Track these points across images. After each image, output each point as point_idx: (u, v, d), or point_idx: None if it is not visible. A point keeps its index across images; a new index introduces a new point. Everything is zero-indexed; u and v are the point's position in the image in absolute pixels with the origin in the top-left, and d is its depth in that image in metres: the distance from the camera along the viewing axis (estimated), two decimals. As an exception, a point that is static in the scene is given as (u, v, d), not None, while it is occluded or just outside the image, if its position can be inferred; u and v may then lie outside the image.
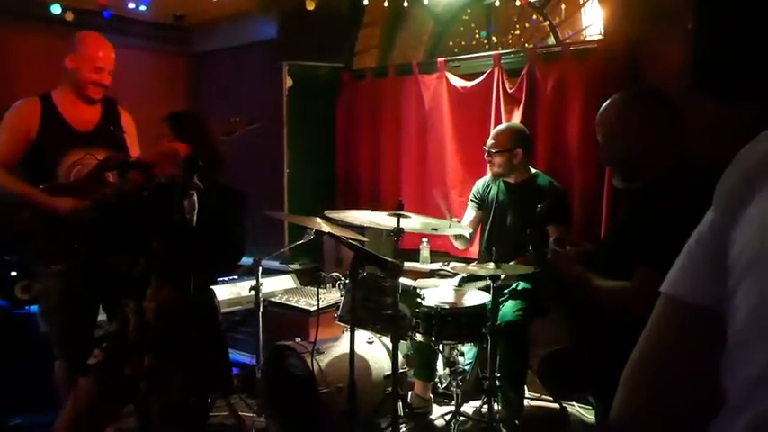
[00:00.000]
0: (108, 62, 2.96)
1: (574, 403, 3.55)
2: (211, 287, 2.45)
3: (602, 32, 3.84)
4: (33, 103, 2.89)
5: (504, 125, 3.64)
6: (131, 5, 4.23)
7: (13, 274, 3.67)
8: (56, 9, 4.07)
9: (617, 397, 0.88)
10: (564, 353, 1.98)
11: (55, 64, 4.32)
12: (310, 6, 3.77)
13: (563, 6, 4.62)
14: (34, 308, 3.62)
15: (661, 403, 0.84)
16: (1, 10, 4.02)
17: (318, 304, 3.11)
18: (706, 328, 0.80)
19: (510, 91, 3.89)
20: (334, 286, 3.84)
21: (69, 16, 4.13)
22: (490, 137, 3.52)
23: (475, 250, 3.83)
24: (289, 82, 4.52)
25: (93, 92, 2.94)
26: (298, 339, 3.23)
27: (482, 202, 3.64)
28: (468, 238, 3.60)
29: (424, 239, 4.12)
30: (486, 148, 3.47)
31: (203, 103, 5.02)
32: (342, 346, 3.19)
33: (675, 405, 0.84)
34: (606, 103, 2.12)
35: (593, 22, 4.60)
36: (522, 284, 3.34)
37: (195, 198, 2.00)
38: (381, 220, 3.06)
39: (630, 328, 0.93)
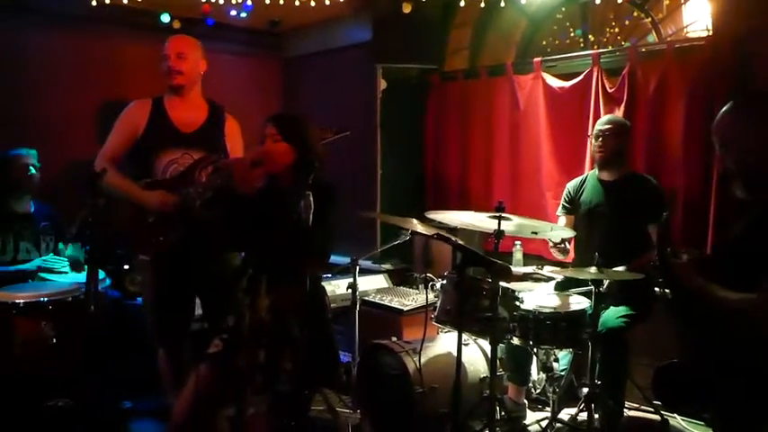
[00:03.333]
0: (169, 49, 3.05)
1: (676, 415, 3.41)
2: (323, 284, 2.51)
3: (710, 28, 3.67)
4: (145, 104, 3.06)
5: (613, 115, 3.58)
6: (233, 12, 4.40)
7: (126, 267, 3.90)
8: (165, 18, 4.30)
9: None
10: (682, 365, 1.90)
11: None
12: (407, 9, 3.79)
13: (665, 2, 4.45)
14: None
15: None
16: (115, 20, 4.28)
17: (427, 302, 3.16)
18: None
19: (610, 91, 3.79)
20: (426, 287, 3.86)
21: (176, 24, 4.35)
22: (603, 122, 3.46)
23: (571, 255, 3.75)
24: (383, 84, 4.57)
25: (168, 79, 3.05)
26: (393, 338, 3.26)
27: (572, 205, 3.57)
28: (568, 246, 3.49)
29: (517, 242, 4.06)
30: (600, 129, 3.39)
31: (297, 106, 5.15)
32: (438, 347, 3.21)
33: None
34: (722, 109, 2.04)
35: (696, 19, 4.41)
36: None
37: (311, 198, 2.06)
38: (480, 221, 3.05)
39: (756, 343, 0.87)
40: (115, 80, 4.41)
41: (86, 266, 3.53)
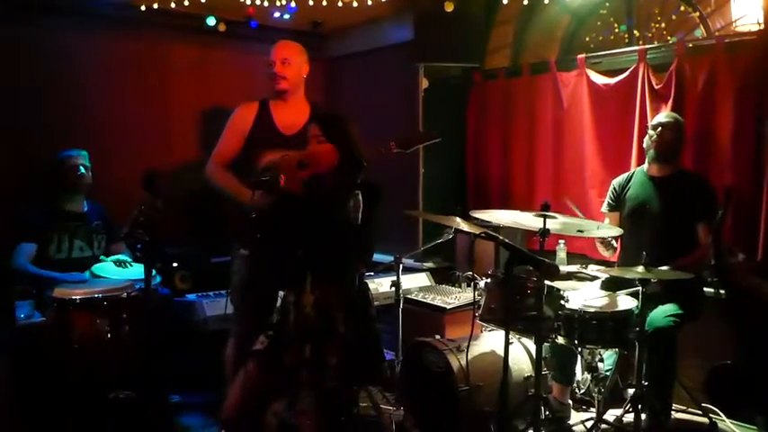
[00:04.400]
0: (274, 55, 3.13)
1: (724, 418, 3.34)
2: (366, 281, 2.54)
3: (762, 22, 3.59)
4: (251, 106, 3.17)
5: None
6: (276, 14, 4.47)
7: (175, 265, 4.01)
8: (210, 21, 4.40)
9: None
10: (737, 367, 1.87)
11: (209, 72, 4.70)
12: (449, 8, 3.79)
13: (714, -4, 4.35)
14: (191, 296, 3.94)
15: None
16: (162, 23, 4.38)
17: (474, 300, 3.18)
18: None
19: (657, 87, 3.73)
20: (468, 285, 3.86)
21: (222, 27, 4.44)
22: (663, 115, 3.44)
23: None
24: (425, 83, 4.59)
25: (272, 84, 3.14)
26: (437, 336, 3.28)
27: (618, 201, 3.53)
28: (615, 243, 3.46)
29: (561, 241, 4.03)
30: (660, 121, 3.37)
31: (340, 105, 5.19)
32: (482, 345, 3.21)
33: None
34: None
35: (746, 12, 4.30)
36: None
37: (360, 197, 2.09)
38: (526, 220, 3.04)
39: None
40: (164, 83, 4.52)
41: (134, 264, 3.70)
